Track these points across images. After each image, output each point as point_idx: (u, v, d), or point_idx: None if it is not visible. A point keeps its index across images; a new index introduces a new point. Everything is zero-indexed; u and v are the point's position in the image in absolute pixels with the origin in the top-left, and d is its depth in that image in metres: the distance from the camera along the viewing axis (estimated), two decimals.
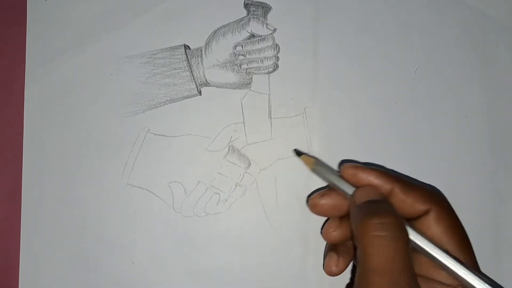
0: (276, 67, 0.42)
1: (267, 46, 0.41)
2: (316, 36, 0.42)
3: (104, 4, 0.42)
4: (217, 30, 0.42)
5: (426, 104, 0.42)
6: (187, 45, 0.42)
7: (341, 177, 0.32)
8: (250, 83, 0.41)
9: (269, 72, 0.42)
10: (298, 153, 0.38)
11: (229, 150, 0.41)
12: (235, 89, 0.42)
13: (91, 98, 0.41)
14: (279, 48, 0.41)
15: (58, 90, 0.42)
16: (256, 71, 0.41)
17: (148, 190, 0.40)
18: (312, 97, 0.41)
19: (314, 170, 0.34)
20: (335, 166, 0.41)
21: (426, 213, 0.28)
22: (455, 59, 0.42)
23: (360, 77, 0.42)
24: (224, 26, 0.42)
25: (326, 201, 0.33)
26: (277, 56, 0.42)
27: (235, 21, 0.42)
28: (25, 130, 0.41)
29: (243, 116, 0.41)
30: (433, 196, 0.29)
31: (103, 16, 0.42)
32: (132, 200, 0.40)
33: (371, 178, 0.30)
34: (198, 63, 0.41)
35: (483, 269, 0.39)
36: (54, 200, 0.40)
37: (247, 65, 0.41)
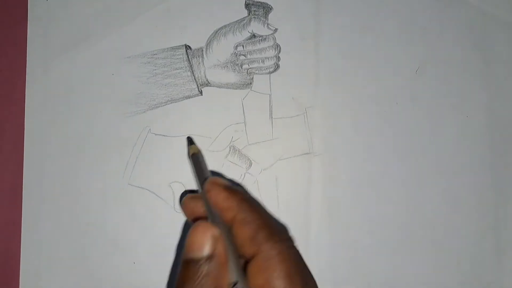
0: (277, 67, 0.42)
1: (268, 46, 0.41)
2: (317, 36, 0.42)
3: (105, 3, 0.42)
4: (218, 30, 0.42)
5: (427, 104, 0.42)
6: (188, 45, 0.42)
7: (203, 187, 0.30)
8: (251, 83, 0.41)
9: (270, 72, 0.42)
10: (190, 141, 0.36)
11: (230, 150, 0.41)
12: (236, 89, 0.41)
13: (92, 98, 0.41)
14: (280, 48, 0.41)
15: (59, 90, 0.41)
16: (257, 71, 0.41)
17: (149, 190, 0.40)
18: (313, 97, 0.41)
19: (191, 158, 0.32)
20: (334, 167, 0.41)
21: (254, 255, 0.25)
22: (456, 58, 0.42)
23: (361, 76, 0.42)
24: (225, 26, 0.42)
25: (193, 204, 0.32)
26: (278, 56, 0.41)
27: (236, 21, 0.42)
28: (26, 129, 0.41)
29: (244, 116, 0.41)
30: (266, 241, 0.25)
31: (104, 16, 0.42)
32: (133, 200, 0.40)
33: (219, 200, 0.27)
34: (199, 63, 0.41)
35: (484, 270, 0.40)
36: (55, 200, 0.40)
37: (248, 65, 0.41)
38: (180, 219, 0.40)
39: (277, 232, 0.26)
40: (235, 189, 0.29)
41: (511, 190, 0.41)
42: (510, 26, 0.42)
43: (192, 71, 0.41)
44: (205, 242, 0.25)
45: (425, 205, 0.41)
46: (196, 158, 0.34)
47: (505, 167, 0.41)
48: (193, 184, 0.40)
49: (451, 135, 0.41)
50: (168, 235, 0.40)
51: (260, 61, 0.41)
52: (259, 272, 0.24)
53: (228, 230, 0.27)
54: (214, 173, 0.40)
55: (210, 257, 0.24)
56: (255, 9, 0.42)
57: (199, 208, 0.31)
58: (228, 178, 0.40)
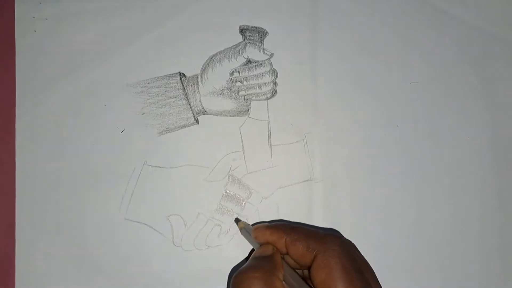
0: (274, 92, 0.41)
1: (265, 72, 0.40)
2: (314, 60, 0.41)
3: (95, 32, 0.41)
4: (213, 57, 0.41)
5: (427, 126, 0.41)
6: (182, 73, 0.41)
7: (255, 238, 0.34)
8: (248, 110, 0.40)
9: (267, 98, 0.41)
10: (237, 220, 0.39)
11: (229, 180, 0.40)
12: (233, 116, 0.40)
13: (85, 130, 0.40)
14: (277, 73, 0.41)
15: (50, 123, 0.40)
16: (254, 98, 0.40)
17: (146, 224, 0.39)
18: (312, 122, 0.40)
19: (241, 232, 0.36)
20: (335, 193, 0.40)
21: (313, 261, 0.29)
22: (455, 78, 0.42)
23: (360, 100, 0.41)
24: (220, 52, 0.41)
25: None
26: (275, 82, 0.41)
27: (231, 46, 0.41)
28: (17, 164, 0.40)
29: (243, 144, 0.40)
30: (320, 245, 0.30)
31: (95, 45, 0.41)
32: (130, 235, 0.39)
33: (266, 236, 0.32)
34: (195, 91, 0.40)
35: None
36: (49, 237, 0.39)
37: (245, 92, 0.40)
38: (180, 253, 0.39)
39: (326, 236, 0.30)
40: (275, 224, 0.33)
41: None
42: (509, 44, 0.42)
43: (188, 99, 0.40)
44: (269, 249, 0.31)
45: (428, 230, 0.40)
46: (244, 231, 0.36)
47: (508, 187, 0.41)
48: (192, 216, 0.39)
49: (453, 156, 0.41)
50: (167, 270, 0.39)
51: (257, 87, 0.40)
52: (319, 270, 0.28)
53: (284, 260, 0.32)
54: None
55: (270, 257, 0.31)
56: (250, 34, 0.41)
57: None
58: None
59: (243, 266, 0.30)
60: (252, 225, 0.36)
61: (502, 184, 0.41)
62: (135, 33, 0.41)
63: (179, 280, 0.39)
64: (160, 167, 0.40)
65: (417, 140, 0.41)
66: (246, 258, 0.39)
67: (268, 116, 0.40)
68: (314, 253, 0.29)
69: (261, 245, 0.33)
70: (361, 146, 0.40)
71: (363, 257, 0.32)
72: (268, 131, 0.40)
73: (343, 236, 0.33)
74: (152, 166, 0.40)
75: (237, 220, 0.38)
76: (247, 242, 0.35)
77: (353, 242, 0.39)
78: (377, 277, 0.39)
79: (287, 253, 0.31)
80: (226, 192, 0.40)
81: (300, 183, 0.40)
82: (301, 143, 0.40)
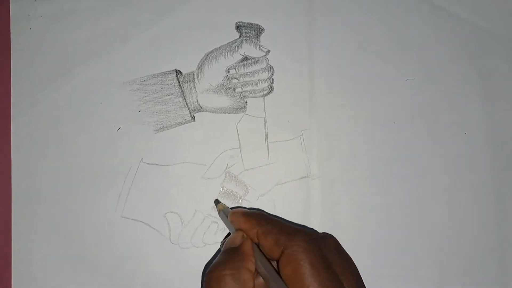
0: (271, 89, 0.40)
1: (261, 68, 0.40)
2: (310, 56, 0.41)
3: (91, 30, 0.41)
4: (209, 54, 0.40)
5: (425, 122, 0.41)
6: (178, 70, 0.40)
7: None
8: (245, 107, 0.40)
9: (264, 95, 0.40)
10: (216, 201, 0.39)
11: (226, 177, 0.40)
12: (229, 113, 0.40)
13: (81, 128, 0.40)
14: (273, 70, 0.40)
15: (47, 122, 0.40)
16: (250, 94, 0.40)
17: (143, 222, 0.39)
18: (309, 119, 0.40)
19: (219, 214, 0.37)
20: (333, 190, 0.40)
21: (280, 255, 0.29)
22: (453, 75, 0.41)
23: (357, 96, 0.41)
24: (216, 49, 0.40)
25: None
26: (272, 78, 0.40)
27: (227, 43, 0.41)
28: (13, 163, 0.40)
29: (239, 141, 0.40)
30: (288, 239, 0.29)
31: (90, 43, 0.41)
32: (127, 234, 0.39)
33: (240, 223, 0.32)
34: (191, 88, 0.40)
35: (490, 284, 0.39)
36: (46, 237, 0.39)
37: (241, 89, 0.40)
38: (177, 251, 0.39)
39: (296, 232, 0.30)
40: (252, 212, 0.33)
41: None
42: (506, 40, 0.42)
43: (184, 97, 0.40)
44: (238, 239, 0.32)
45: (426, 226, 0.40)
46: (222, 213, 0.36)
47: (506, 183, 0.41)
48: (189, 214, 0.39)
49: (450, 152, 0.41)
50: (165, 267, 0.39)
51: (254, 83, 0.40)
52: (287, 264, 0.28)
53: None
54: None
55: (239, 247, 0.31)
56: (246, 30, 0.41)
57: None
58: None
59: (213, 262, 0.30)
60: (231, 208, 0.36)
61: (499, 180, 0.41)
62: (131, 31, 0.41)
63: (177, 277, 0.39)
64: (157, 164, 0.40)
65: (414, 137, 0.41)
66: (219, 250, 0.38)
67: (265, 113, 0.40)
68: (282, 247, 0.29)
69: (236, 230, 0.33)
70: (358, 142, 0.40)
71: (343, 254, 0.32)
72: (265, 128, 0.40)
73: (318, 233, 0.32)
74: (148, 163, 0.40)
75: (216, 202, 0.38)
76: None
77: (351, 239, 0.39)
78: (374, 274, 0.39)
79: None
80: (223, 190, 0.40)
81: (297, 180, 0.40)
82: (298, 140, 0.40)
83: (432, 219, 0.40)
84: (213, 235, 0.39)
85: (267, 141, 0.40)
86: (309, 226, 0.39)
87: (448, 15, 0.42)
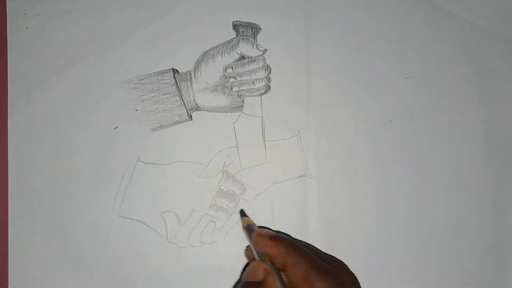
0: (268, 88, 0.40)
1: (258, 67, 0.40)
2: (308, 55, 0.41)
3: (88, 29, 0.41)
4: (206, 53, 0.40)
5: (422, 121, 0.41)
6: (175, 69, 0.40)
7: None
8: (242, 106, 0.40)
9: (261, 94, 0.40)
10: (242, 213, 0.38)
11: (223, 176, 0.40)
12: (226, 112, 0.40)
13: (78, 127, 0.40)
14: (270, 69, 0.40)
15: (43, 120, 0.40)
16: (248, 93, 0.40)
17: (140, 222, 0.39)
18: (306, 117, 0.40)
19: (243, 228, 0.36)
20: (330, 189, 0.40)
21: None
22: (451, 74, 0.41)
23: (354, 95, 0.41)
24: (213, 48, 0.40)
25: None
26: (269, 77, 0.40)
27: (224, 42, 0.41)
28: (10, 162, 0.39)
29: (236, 140, 0.40)
30: (317, 279, 0.29)
31: (87, 42, 0.41)
32: (124, 233, 0.39)
33: (267, 248, 0.31)
34: (188, 87, 0.40)
35: (488, 283, 0.39)
36: (43, 236, 0.39)
37: (239, 88, 0.40)
38: (174, 250, 0.39)
39: (326, 270, 0.30)
40: (280, 237, 0.32)
41: (510, 204, 0.40)
42: (504, 40, 0.42)
43: (181, 96, 0.40)
44: (260, 272, 0.30)
45: (424, 224, 0.40)
46: (248, 229, 0.35)
47: (503, 181, 0.41)
48: (186, 213, 0.39)
49: (448, 152, 0.41)
50: (162, 266, 0.39)
51: (251, 82, 0.40)
52: None
53: (277, 271, 0.31)
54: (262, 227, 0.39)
55: (262, 283, 0.30)
56: (243, 30, 0.41)
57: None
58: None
59: None
60: (259, 227, 0.35)
61: (497, 179, 0.41)
62: (128, 30, 0.41)
63: (174, 276, 0.38)
64: (154, 163, 0.39)
65: (412, 136, 0.41)
66: (239, 280, 0.37)
67: (262, 112, 0.40)
68: (310, 286, 0.28)
69: (259, 252, 0.31)
70: (355, 141, 0.40)
71: None
72: (262, 127, 0.40)
73: (346, 273, 0.32)
74: (145, 162, 0.39)
75: (242, 214, 0.38)
76: (244, 238, 0.35)
77: (349, 238, 0.39)
78: (372, 273, 0.39)
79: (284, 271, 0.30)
80: (220, 188, 0.39)
81: (294, 178, 0.40)
82: (295, 138, 0.40)
83: (430, 218, 0.40)
84: (210, 234, 0.39)
85: (264, 140, 0.40)
86: (307, 225, 0.39)
87: (446, 15, 0.42)
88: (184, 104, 0.40)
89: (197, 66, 0.40)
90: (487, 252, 0.40)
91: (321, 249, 0.39)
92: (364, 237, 0.39)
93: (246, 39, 0.40)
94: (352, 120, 0.40)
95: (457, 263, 0.40)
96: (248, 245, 0.34)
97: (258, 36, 0.41)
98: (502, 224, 0.40)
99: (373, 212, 0.40)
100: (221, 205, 0.39)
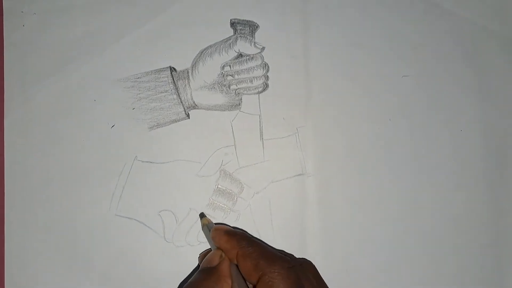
0: (266, 86, 0.40)
1: (256, 65, 0.40)
2: (306, 53, 0.41)
3: (84, 27, 0.40)
4: (203, 51, 0.40)
5: (420, 119, 0.41)
6: (173, 67, 0.40)
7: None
8: (239, 104, 0.40)
9: (259, 92, 0.40)
10: (201, 215, 0.39)
11: (220, 175, 0.39)
12: (224, 110, 0.40)
13: (74, 125, 0.40)
14: (268, 67, 0.40)
15: (39, 118, 0.40)
16: (245, 92, 0.40)
17: (137, 221, 0.39)
18: (304, 116, 0.40)
19: (203, 229, 0.37)
20: (328, 188, 0.39)
21: (258, 280, 0.30)
22: (448, 72, 0.41)
23: (352, 94, 0.41)
24: (210, 46, 0.40)
25: None
26: (267, 75, 0.40)
27: (221, 40, 0.40)
28: (6, 160, 0.39)
29: (234, 139, 0.40)
30: (267, 265, 0.30)
31: (84, 40, 0.40)
32: (121, 232, 0.38)
33: (221, 242, 0.33)
34: (185, 85, 0.40)
35: (485, 282, 0.39)
36: (39, 235, 0.38)
37: (236, 86, 0.40)
38: (172, 249, 0.38)
39: (276, 258, 0.31)
40: (234, 231, 0.33)
41: (507, 203, 0.40)
42: (501, 38, 0.42)
43: (178, 94, 0.40)
44: (216, 258, 0.32)
45: (421, 222, 0.40)
46: (206, 227, 0.36)
47: (501, 180, 0.40)
48: (184, 212, 0.39)
49: (445, 150, 0.41)
50: (159, 266, 0.38)
51: (248, 81, 0.40)
52: None
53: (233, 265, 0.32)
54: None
55: (216, 267, 0.31)
56: (241, 27, 0.40)
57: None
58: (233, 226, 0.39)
59: (189, 280, 0.30)
60: (216, 224, 0.37)
61: (495, 177, 0.40)
62: (125, 28, 0.41)
63: (171, 276, 0.38)
64: (151, 162, 0.39)
65: (410, 134, 0.40)
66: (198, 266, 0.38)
67: (260, 110, 0.40)
68: (260, 273, 0.29)
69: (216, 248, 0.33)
70: (353, 140, 0.40)
71: (321, 282, 0.32)
72: (260, 125, 0.40)
73: (297, 260, 0.33)
74: (142, 161, 0.39)
75: (201, 215, 0.38)
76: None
77: (347, 237, 0.39)
78: (370, 272, 0.39)
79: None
80: (217, 187, 0.39)
81: (292, 177, 0.40)
82: (293, 137, 0.40)
83: (427, 216, 0.40)
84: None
85: (262, 139, 0.40)
86: (305, 225, 0.39)
87: (444, 13, 0.42)
88: (181, 102, 0.40)
89: (194, 64, 0.40)
90: (485, 251, 0.40)
91: (319, 247, 0.39)
92: (362, 235, 0.39)
93: (244, 37, 0.40)
94: (351, 118, 0.40)
95: (454, 262, 0.39)
96: (202, 251, 0.36)
97: (256, 34, 0.40)
98: (500, 222, 0.40)
99: (371, 210, 0.40)
100: (218, 204, 0.39)
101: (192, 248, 0.39)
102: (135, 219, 0.39)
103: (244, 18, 0.41)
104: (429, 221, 0.40)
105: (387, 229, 0.39)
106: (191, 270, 0.38)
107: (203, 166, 0.39)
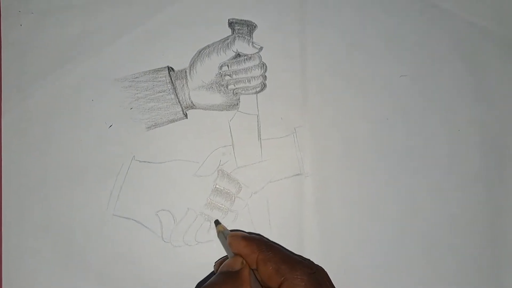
0: (264, 86, 0.40)
1: (254, 65, 0.40)
2: (303, 53, 0.41)
3: (82, 27, 0.40)
4: (201, 50, 0.40)
5: (418, 119, 0.41)
6: (170, 67, 0.40)
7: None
8: (237, 104, 0.40)
9: (257, 92, 0.40)
10: (216, 222, 0.38)
11: (218, 175, 0.39)
12: (222, 110, 0.40)
13: (72, 125, 0.39)
14: (266, 66, 0.40)
15: (37, 118, 0.40)
16: (243, 91, 0.40)
17: (135, 220, 0.39)
18: (302, 116, 0.40)
19: (218, 236, 0.37)
20: (326, 187, 0.39)
21: (279, 286, 0.30)
22: (446, 72, 0.41)
23: (350, 93, 0.41)
24: (208, 46, 0.40)
25: None
26: (265, 75, 0.40)
27: (219, 40, 0.40)
28: (3, 160, 0.39)
29: (232, 139, 0.40)
30: (290, 270, 0.30)
31: (82, 40, 0.40)
32: (119, 232, 0.38)
33: (240, 247, 0.32)
34: (183, 85, 0.40)
35: (483, 282, 0.39)
36: (36, 235, 0.38)
37: (234, 86, 0.40)
38: (170, 249, 0.38)
39: (297, 263, 0.31)
40: (252, 236, 0.33)
41: (507, 202, 0.40)
42: (499, 37, 0.42)
43: (176, 94, 0.40)
44: (237, 263, 0.31)
45: (419, 222, 0.40)
46: (221, 234, 0.36)
47: (498, 180, 0.41)
48: (182, 212, 0.39)
49: (443, 149, 0.41)
50: (157, 266, 0.38)
51: (246, 80, 0.40)
52: None
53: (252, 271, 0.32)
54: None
55: (238, 272, 0.31)
56: (239, 27, 0.40)
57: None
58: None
59: (208, 282, 0.30)
60: (231, 231, 0.36)
61: (493, 177, 0.40)
62: (123, 27, 0.40)
63: (169, 276, 0.38)
64: (149, 162, 0.39)
65: (407, 134, 0.41)
66: (213, 272, 0.37)
67: (258, 110, 0.40)
68: (282, 278, 0.29)
69: (234, 254, 0.32)
70: (351, 139, 0.40)
71: (332, 286, 0.32)
72: (258, 125, 0.40)
73: (315, 266, 0.33)
74: (140, 161, 0.39)
75: (216, 222, 0.38)
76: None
77: (345, 236, 0.39)
78: (368, 272, 0.39)
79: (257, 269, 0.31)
80: (215, 187, 0.39)
81: (290, 177, 0.40)
82: (291, 137, 0.40)
83: (425, 216, 0.40)
84: (205, 233, 0.39)
85: (260, 138, 0.40)
86: (303, 224, 0.39)
87: (442, 13, 0.42)
88: (179, 102, 0.40)
89: (192, 64, 0.40)
90: (483, 251, 0.40)
91: (316, 247, 0.39)
92: (360, 235, 0.39)
93: (241, 36, 0.40)
94: (348, 118, 0.40)
95: (451, 262, 0.40)
96: (217, 260, 0.36)
97: (253, 34, 0.40)
98: (498, 222, 0.40)
99: (369, 210, 0.40)
100: (216, 203, 0.39)
101: (190, 248, 0.39)
102: (132, 219, 0.39)
103: (242, 18, 0.41)
104: (427, 221, 0.40)
105: (385, 229, 0.40)
106: (189, 270, 0.38)
107: (201, 166, 0.39)
